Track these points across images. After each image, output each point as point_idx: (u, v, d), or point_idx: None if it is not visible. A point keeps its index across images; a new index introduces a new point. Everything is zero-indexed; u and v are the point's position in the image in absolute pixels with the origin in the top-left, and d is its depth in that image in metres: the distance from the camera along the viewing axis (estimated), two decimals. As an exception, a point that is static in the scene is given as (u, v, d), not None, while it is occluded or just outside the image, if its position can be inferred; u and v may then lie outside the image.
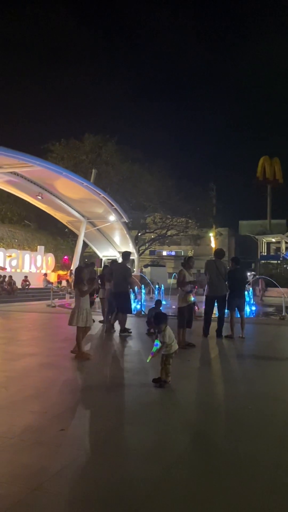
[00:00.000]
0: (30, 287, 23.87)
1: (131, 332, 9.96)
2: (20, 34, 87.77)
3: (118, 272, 10.19)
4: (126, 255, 10.87)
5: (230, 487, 2.96)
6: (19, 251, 26.32)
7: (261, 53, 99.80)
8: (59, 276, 29.71)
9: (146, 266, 41.99)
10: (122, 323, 9.95)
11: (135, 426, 4.13)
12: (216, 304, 9.59)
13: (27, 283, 23.76)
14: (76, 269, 8.07)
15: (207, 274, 9.60)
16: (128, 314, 10.21)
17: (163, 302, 10.80)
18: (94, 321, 7.93)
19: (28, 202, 28.96)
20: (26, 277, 24.11)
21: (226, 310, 9.72)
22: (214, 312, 9.78)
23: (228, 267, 10.04)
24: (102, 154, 37.65)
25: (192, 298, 8.40)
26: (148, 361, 5.58)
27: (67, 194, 26.64)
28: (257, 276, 29.85)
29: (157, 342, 5.49)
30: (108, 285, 10.83)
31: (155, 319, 5.66)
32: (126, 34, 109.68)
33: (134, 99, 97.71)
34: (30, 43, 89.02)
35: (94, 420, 4.20)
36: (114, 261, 13.52)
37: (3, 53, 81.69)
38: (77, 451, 3.48)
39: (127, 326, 10.05)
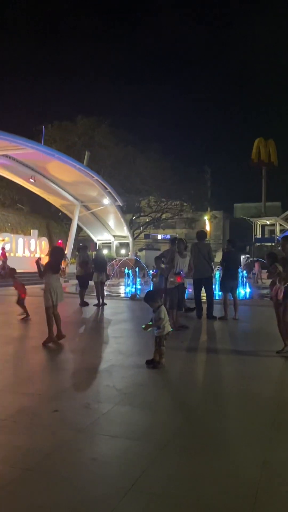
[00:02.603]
0: (25, 271, 23.67)
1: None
2: (12, 13, 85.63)
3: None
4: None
5: (221, 465, 3.00)
6: (12, 235, 26.12)
7: (258, 35, 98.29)
8: None
9: (141, 249, 41.97)
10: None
11: (129, 406, 4.15)
12: (203, 286, 9.62)
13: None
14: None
15: (191, 257, 9.61)
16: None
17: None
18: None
19: (21, 186, 28.70)
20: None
21: (219, 292, 9.75)
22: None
23: (225, 249, 10.06)
24: (95, 137, 37.12)
25: (180, 281, 8.24)
26: (143, 327, 5.54)
27: (60, 177, 26.40)
28: (252, 259, 29.90)
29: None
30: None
31: (147, 299, 5.57)
32: (121, 14, 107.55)
33: (128, 81, 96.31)
34: (22, 22, 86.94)
35: (87, 402, 4.21)
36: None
37: (-7, 32, 79.81)
38: (70, 432, 3.49)
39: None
